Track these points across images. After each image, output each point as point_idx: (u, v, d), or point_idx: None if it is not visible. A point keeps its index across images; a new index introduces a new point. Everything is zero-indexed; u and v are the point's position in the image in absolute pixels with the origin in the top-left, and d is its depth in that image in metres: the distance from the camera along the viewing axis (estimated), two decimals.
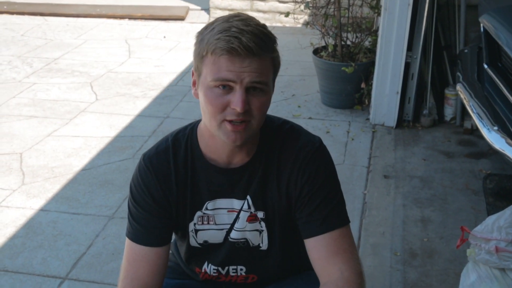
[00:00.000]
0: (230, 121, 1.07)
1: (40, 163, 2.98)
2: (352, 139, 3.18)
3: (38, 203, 2.62)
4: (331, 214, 1.16)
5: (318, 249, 1.15)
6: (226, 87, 1.06)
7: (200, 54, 1.08)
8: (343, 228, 1.17)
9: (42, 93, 3.91)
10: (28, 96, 3.85)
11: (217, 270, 1.28)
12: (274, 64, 1.11)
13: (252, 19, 1.10)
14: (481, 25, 2.40)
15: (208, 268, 1.29)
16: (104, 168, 2.93)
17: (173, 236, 1.31)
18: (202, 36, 1.09)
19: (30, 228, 2.44)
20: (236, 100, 1.05)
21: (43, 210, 2.57)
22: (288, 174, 1.17)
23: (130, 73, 4.28)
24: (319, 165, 1.17)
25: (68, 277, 2.14)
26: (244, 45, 1.03)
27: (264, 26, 1.10)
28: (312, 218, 1.16)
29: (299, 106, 3.63)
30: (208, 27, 1.09)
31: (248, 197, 1.19)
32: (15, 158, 3.04)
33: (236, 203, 1.20)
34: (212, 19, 5.97)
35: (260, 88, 1.08)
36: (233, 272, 1.29)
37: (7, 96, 3.85)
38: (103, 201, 2.64)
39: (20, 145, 3.18)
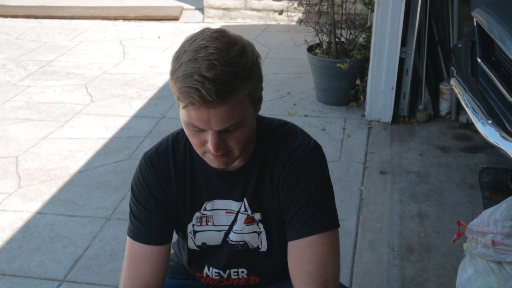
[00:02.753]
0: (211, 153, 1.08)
1: (36, 166, 2.98)
2: (348, 136, 3.18)
3: (35, 206, 2.62)
4: (312, 219, 1.13)
5: (292, 253, 1.15)
6: (199, 129, 1.05)
7: (172, 88, 1.05)
8: (323, 234, 1.13)
9: (37, 96, 3.90)
10: (23, 99, 3.84)
11: (219, 273, 1.28)
12: (249, 95, 1.05)
13: (224, 49, 1.00)
14: (474, 19, 2.40)
15: (210, 272, 1.29)
16: (100, 169, 2.93)
17: (177, 236, 1.31)
18: (172, 68, 1.03)
19: (27, 231, 2.44)
20: (209, 143, 1.05)
21: (39, 213, 2.57)
22: (278, 176, 1.16)
23: (125, 74, 4.28)
24: (306, 169, 1.14)
25: (66, 279, 2.14)
26: (204, 99, 0.97)
27: (237, 56, 1.00)
28: (293, 222, 1.15)
29: (294, 104, 3.63)
30: (179, 57, 1.02)
31: (244, 199, 1.19)
32: (11, 162, 3.03)
33: (234, 205, 1.20)
34: (206, 19, 5.93)
35: (234, 128, 1.05)
36: (234, 275, 1.28)
37: (2, 99, 3.84)
38: (100, 202, 2.63)
39: (15, 148, 3.17)
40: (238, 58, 1.01)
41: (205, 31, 1.05)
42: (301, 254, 1.13)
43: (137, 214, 1.21)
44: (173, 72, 1.03)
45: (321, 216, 1.14)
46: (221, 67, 0.98)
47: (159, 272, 1.20)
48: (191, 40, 1.04)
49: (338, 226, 1.17)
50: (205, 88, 0.97)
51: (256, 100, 1.10)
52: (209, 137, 1.05)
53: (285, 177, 1.15)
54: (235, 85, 1.00)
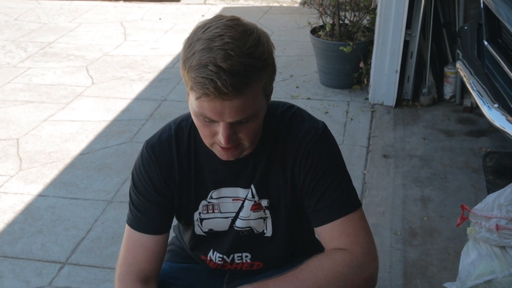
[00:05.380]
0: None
1: (37, 149, 2.96)
2: (351, 119, 3.16)
3: (36, 188, 2.61)
4: (338, 202, 1.14)
5: (327, 236, 1.15)
6: (210, 120, 1.03)
7: (184, 77, 1.01)
8: (352, 214, 1.14)
9: (37, 77, 3.87)
10: (23, 81, 3.81)
11: (222, 258, 1.28)
12: (264, 86, 1.03)
13: (240, 38, 0.97)
14: (481, 1, 2.36)
15: (214, 256, 1.28)
16: (101, 152, 2.91)
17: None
18: (185, 56, 0.99)
19: (29, 214, 2.43)
20: (220, 135, 1.03)
21: (41, 195, 2.56)
22: (292, 161, 1.15)
23: (126, 56, 4.24)
24: (321, 153, 1.14)
25: (68, 262, 2.14)
26: (220, 91, 0.95)
27: (253, 47, 0.97)
28: (320, 207, 1.14)
29: (297, 87, 3.60)
30: (192, 45, 0.98)
31: (252, 186, 1.18)
32: (12, 144, 3.02)
33: (241, 192, 1.19)
34: (208, 0, 5.81)
35: (247, 120, 1.03)
36: (238, 260, 1.28)
37: (2, 81, 3.82)
38: (102, 185, 2.62)
39: (16, 131, 3.15)
40: (254, 49, 0.98)
41: (218, 18, 1.01)
42: (334, 235, 1.13)
43: (136, 203, 1.20)
44: (185, 61, 0.99)
45: (347, 196, 1.15)
46: (237, 58, 0.95)
47: (155, 261, 1.20)
48: (204, 27, 1.00)
49: (361, 203, 1.18)
50: (221, 80, 0.94)
51: (269, 92, 1.08)
52: (220, 129, 1.02)
53: (300, 162, 1.14)
54: (251, 77, 0.98)
